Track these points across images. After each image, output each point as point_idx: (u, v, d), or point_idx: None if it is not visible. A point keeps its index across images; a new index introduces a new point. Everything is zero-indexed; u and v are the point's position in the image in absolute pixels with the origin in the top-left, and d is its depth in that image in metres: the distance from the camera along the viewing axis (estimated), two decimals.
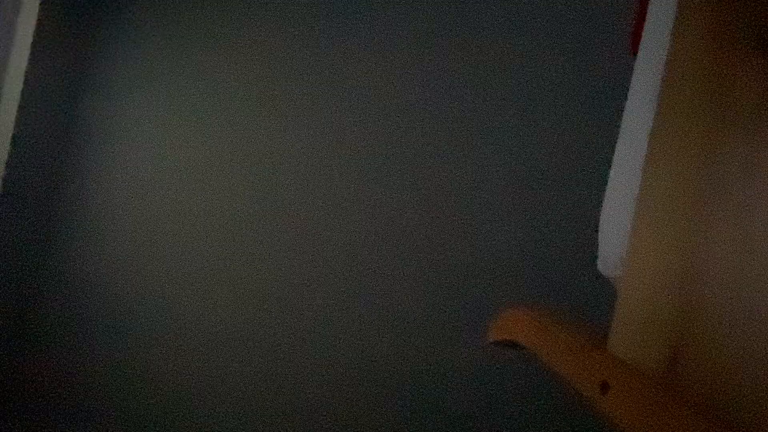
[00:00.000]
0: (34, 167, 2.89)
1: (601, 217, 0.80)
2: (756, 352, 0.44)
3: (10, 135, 2.79)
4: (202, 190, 2.55)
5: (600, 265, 0.78)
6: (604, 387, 0.57)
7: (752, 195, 0.46)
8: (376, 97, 2.23)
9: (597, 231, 1.85)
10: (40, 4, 2.81)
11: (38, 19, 2.81)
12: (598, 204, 1.87)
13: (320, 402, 2.16)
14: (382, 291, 2.12)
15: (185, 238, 2.55)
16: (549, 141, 1.94)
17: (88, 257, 2.81)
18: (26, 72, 2.80)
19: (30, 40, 2.80)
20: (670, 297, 0.55)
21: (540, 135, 1.96)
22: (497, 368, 1.91)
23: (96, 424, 2.66)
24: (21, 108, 2.81)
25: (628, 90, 1.89)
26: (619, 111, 1.88)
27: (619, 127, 1.88)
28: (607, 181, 1.88)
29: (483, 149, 2.03)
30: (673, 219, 0.56)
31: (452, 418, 1.95)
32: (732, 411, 0.46)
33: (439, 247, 2.05)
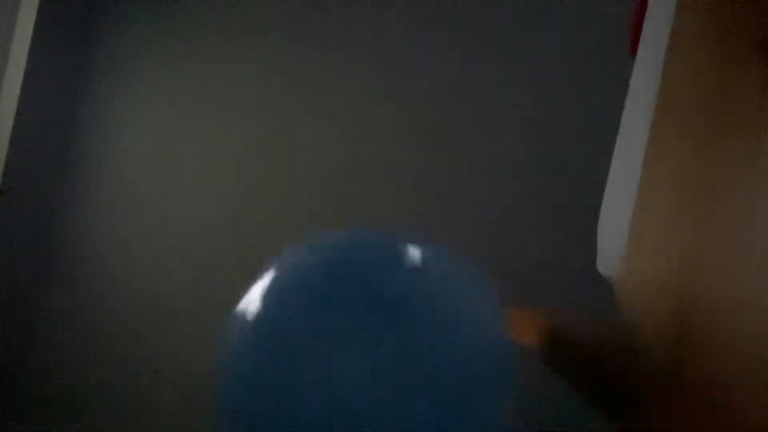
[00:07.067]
0: (33, 166, 2.89)
1: (600, 216, 0.80)
2: (756, 353, 0.44)
3: (10, 134, 2.78)
4: (201, 188, 2.55)
5: (599, 265, 0.78)
6: None
7: (752, 195, 0.46)
8: (377, 96, 2.23)
9: (596, 230, 1.84)
10: (40, 4, 2.80)
11: (38, 19, 2.81)
12: (598, 203, 1.87)
13: None
14: None
15: (185, 236, 2.55)
16: (548, 141, 1.94)
17: (87, 255, 2.81)
18: (26, 71, 2.80)
19: (29, 39, 2.80)
20: (669, 297, 0.55)
21: (539, 135, 1.96)
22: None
23: (97, 421, 2.66)
24: (20, 107, 2.81)
25: (627, 90, 1.89)
26: (619, 111, 1.88)
27: (618, 126, 1.88)
28: (606, 180, 1.88)
29: (483, 150, 2.03)
30: (673, 219, 0.56)
31: None
32: (732, 411, 0.46)
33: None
